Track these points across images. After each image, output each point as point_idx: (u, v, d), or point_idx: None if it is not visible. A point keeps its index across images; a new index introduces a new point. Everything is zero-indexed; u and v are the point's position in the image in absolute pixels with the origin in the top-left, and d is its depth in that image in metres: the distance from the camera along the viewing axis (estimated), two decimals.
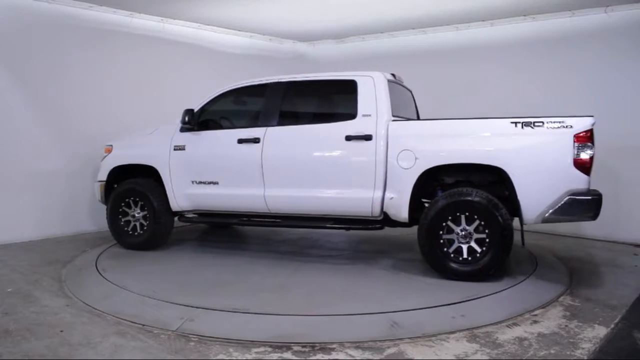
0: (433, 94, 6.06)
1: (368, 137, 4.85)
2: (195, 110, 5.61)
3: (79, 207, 7.01)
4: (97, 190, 6.15)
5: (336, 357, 3.23)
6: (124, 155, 6.01)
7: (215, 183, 5.53)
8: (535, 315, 3.96)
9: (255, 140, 5.27)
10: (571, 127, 4.30)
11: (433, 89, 6.39)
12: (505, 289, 4.41)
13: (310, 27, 8.15)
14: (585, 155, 4.28)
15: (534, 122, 4.38)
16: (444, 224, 4.61)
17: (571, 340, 3.49)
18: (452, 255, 4.60)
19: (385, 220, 5.00)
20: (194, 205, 5.72)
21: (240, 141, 5.34)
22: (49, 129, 6.75)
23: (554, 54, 7.01)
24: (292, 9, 7.06)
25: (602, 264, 5.60)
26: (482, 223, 4.50)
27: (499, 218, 4.42)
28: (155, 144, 5.83)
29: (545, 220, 4.43)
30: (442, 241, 4.62)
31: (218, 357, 3.23)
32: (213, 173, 5.54)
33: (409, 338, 3.48)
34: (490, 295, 4.24)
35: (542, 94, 6.96)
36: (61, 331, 3.62)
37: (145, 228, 5.83)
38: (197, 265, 5.37)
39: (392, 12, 7.13)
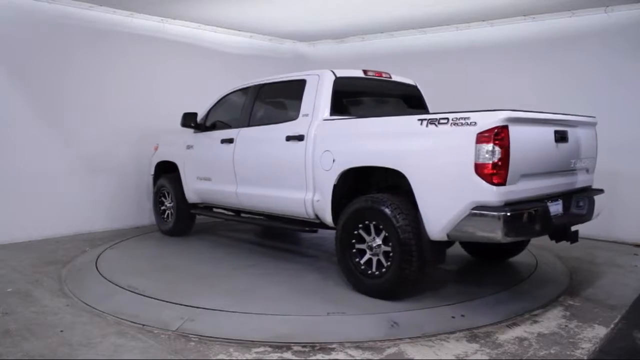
0: (433, 94, 6.04)
1: (301, 138, 4.71)
2: (202, 114, 6.11)
3: (78, 207, 7.00)
4: (152, 183, 7.05)
5: (336, 357, 3.23)
6: (160, 153, 6.82)
7: (209, 179, 5.95)
8: (535, 315, 3.96)
9: (231, 141, 5.55)
10: (475, 124, 3.53)
11: (433, 89, 6.37)
12: (505, 289, 4.42)
13: (310, 27, 8.14)
14: (487, 160, 3.47)
15: (439, 119, 3.74)
16: (355, 232, 4.24)
17: (571, 340, 3.50)
18: (362, 267, 4.21)
19: (322, 223, 4.76)
20: (199, 198, 6.24)
21: (222, 141, 5.67)
22: (48, 129, 6.74)
23: (554, 54, 7.00)
24: (292, 9, 7.05)
25: (602, 263, 5.59)
26: (387, 234, 4.01)
27: (397, 229, 3.90)
28: (177, 143, 6.45)
29: (451, 237, 3.79)
30: (354, 251, 4.26)
31: (218, 357, 3.23)
32: (207, 170, 5.98)
33: (409, 338, 3.48)
34: (490, 295, 4.25)
35: (542, 93, 6.95)
36: (61, 331, 3.62)
37: (172, 217, 6.63)
38: (174, 256, 5.72)
39: (392, 12, 7.12)
